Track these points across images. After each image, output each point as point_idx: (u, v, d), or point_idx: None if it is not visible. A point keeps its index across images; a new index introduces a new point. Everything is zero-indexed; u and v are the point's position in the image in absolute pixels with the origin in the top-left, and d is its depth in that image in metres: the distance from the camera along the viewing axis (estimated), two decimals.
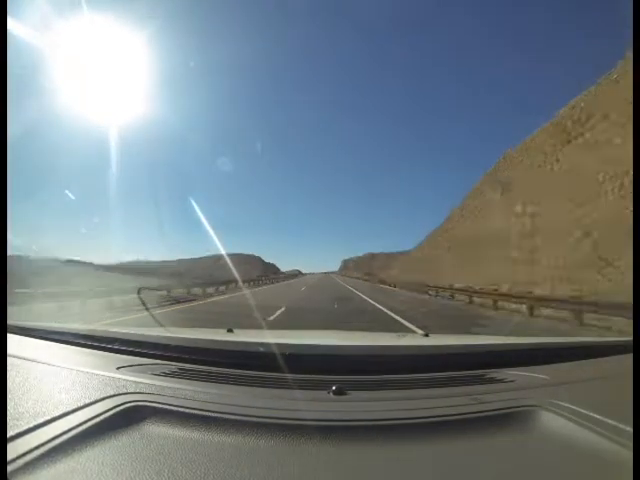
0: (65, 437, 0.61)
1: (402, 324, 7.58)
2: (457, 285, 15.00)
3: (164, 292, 13.73)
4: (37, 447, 0.57)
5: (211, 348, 1.19)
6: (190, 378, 0.98)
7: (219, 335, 1.42)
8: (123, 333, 1.36)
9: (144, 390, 0.84)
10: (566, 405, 0.75)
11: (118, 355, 1.18)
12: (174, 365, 1.07)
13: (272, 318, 7.90)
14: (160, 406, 0.75)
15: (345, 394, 0.87)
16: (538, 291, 11.02)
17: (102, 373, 0.97)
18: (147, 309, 7.60)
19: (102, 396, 0.77)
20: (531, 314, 8.87)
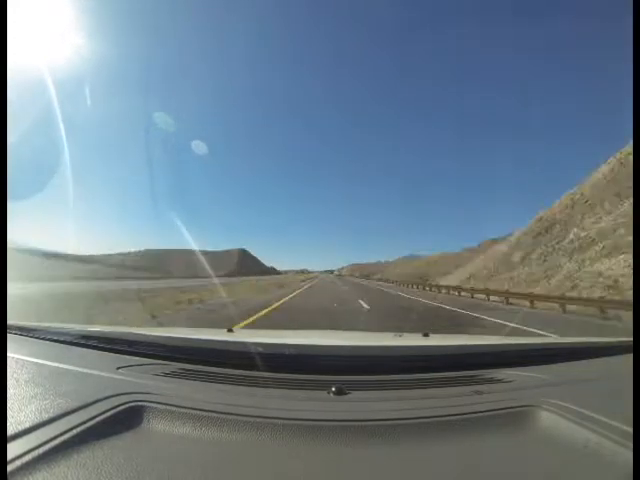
0: (65, 437, 0.61)
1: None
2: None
3: None
4: (37, 447, 0.57)
5: (211, 348, 1.19)
6: (190, 378, 0.98)
7: (219, 335, 1.42)
8: (123, 333, 1.36)
9: (144, 390, 0.84)
10: (566, 405, 0.75)
11: (118, 355, 1.18)
12: (174, 365, 1.07)
13: None
14: (160, 406, 0.75)
15: (345, 394, 0.87)
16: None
17: (102, 373, 0.97)
18: None
19: (102, 396, 0.77)
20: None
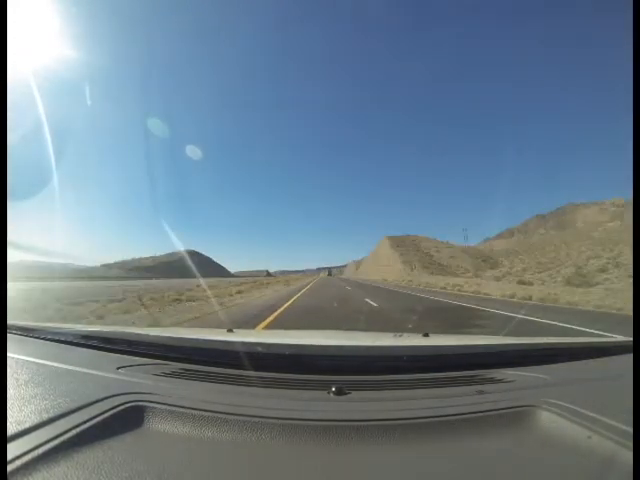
0: (65, 437, 0.61)
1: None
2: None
3: None
4: (37, 447, 0.57)
5: (211, 348, 1.19)
6: (190, 378, 0.98)
7: (219, 335, 1.41)
8: (123, 333, 1.36)
9: (144, 390, 0.84)
10: (566, 405, 0.75)
11: (118, 355, 1.18)
12: (174, 365, 1.07)
13: None
14: (160, 406, 0.75)
15: (345, 394, 0.87)
16: None
17: (102, 373, 0.97)
18: None
19: (102, 396, 0.77)
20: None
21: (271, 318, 6.98)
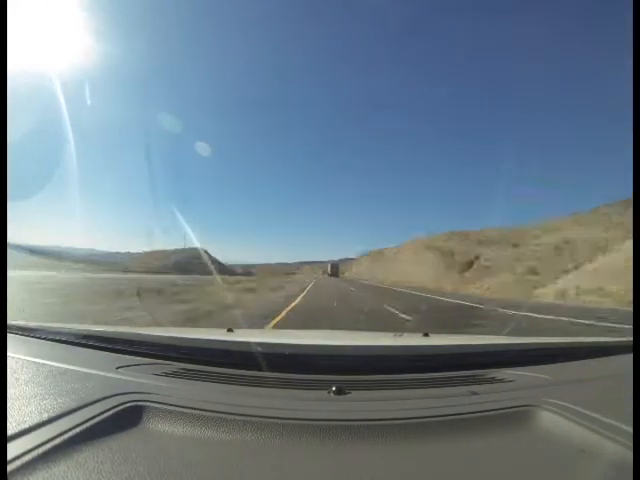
0: (65, 437, 0.61)
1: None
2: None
3: None
4: (37, 447, 0.57)
5: (211, 348, 1.19)
6: (190, 378, 0.98)
7: (219, 335, 1.41)
8: (123, 333, 1.36)
9: (144, 390, 0.84)
10: (566, 405, 0.75)
11: (118, 355, 1.18)
12: (174, 365, 1.07)
13: None
14: (160, 406, 0.75)
15: (345, 394, 0.87)
16: None
17: (102, 373, 0.97)
18: None
19: (102, 396, 0.77)
20: None
21: None
